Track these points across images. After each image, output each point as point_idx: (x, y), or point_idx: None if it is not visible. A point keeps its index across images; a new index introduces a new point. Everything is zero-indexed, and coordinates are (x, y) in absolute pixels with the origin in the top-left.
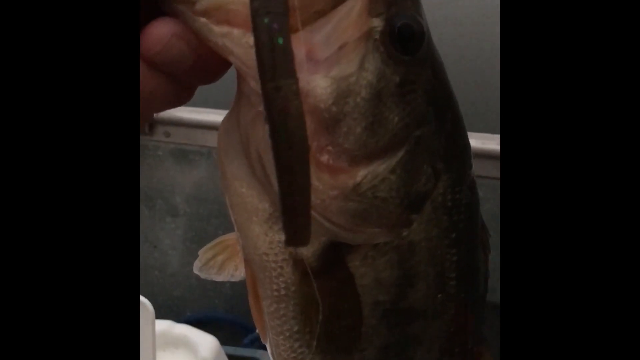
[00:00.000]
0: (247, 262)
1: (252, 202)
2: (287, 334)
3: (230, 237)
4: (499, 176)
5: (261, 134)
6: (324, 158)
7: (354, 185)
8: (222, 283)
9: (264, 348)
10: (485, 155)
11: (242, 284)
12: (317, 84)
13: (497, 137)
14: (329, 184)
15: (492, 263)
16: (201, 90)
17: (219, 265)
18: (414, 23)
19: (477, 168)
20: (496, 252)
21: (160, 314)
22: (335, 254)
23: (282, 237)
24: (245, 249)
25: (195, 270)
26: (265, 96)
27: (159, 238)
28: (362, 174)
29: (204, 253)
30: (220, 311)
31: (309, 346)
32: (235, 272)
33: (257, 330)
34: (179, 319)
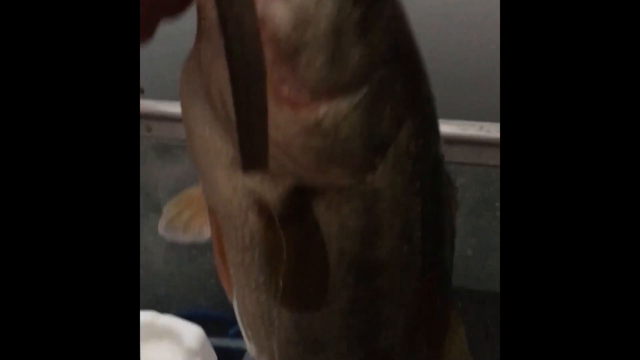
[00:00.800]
0: (211, 212)
1: (215, 145)
2: (253, 285)
3: (195, 190)
4: (479, 162)
5: (221, 70)
6: (285, 90)
7: (315, 120)
8: (207, 279)
9: None
10: (465, 142)
11: None
12: (276, 10)
13: (478, 124)
14: (291, 118)
15: (489, 250)
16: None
17: (184, 223)
18: None
19: (458, 154)
20: (488, 238)
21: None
22: (300, 200)
23: (246, 181)
24: (209, 197)
25: (161, 231)
26: (219, 7)
27: (142, 235)
28: (324, 109)
29: (168, 209)
30: (205, 307)
31: (276, 297)
32: (201, 230)
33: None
34: None
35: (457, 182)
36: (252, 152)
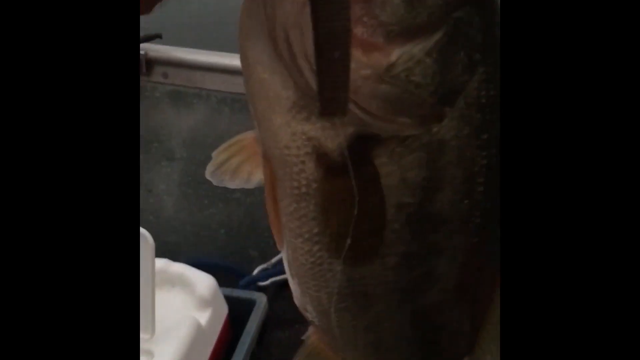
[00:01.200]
0: (266, 159)
1: (275, 89)
2: (307, 236)
3: (247, 136)
4: None
5: (289, 8)
6: (358, 31)
7: (388, 65)
8: (218, 229)
9: (260, 290)
10: None
11: (236, 230)
12: None
13: None
14: (362, 62)
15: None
16: (201, 32)
17: (234, 168)
18: None
19: None
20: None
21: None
22: (362, 149)
23: (307, 127)
24: (264, 143)
25: (208, 175)
26: None
27: (154, 182)
28: (397, 53)
29: (218, 154)
30: (215, 257)
31: (329, 249)
32: (250, 177)
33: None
34: None
35: None
36: (333, 95)
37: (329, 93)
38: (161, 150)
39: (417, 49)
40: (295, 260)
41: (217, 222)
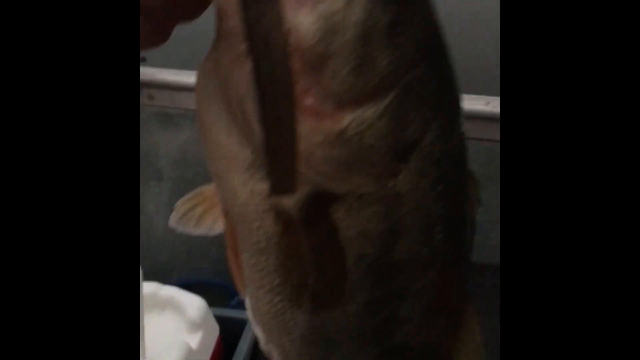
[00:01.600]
0: (226, 214)
1: (232, 149)
2: (267, 287)
3: (209, 188)
4: (485, 137)
5: (242, 75)
6: (309, 101)
7: (339, 130)
8: (208, 247)
9: None
10: (471, 117)
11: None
12: (302, 19)
13: (484, 98)
14: (313, 129)
15: (492, 223)
16: (186, 52)
17: (197, 217)
18: None
19: (465, 129)
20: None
21: (146, 279)
22: (319, 205)
23: (264, 186)
24: (224, 200)
25: (172, 223)
26: (247, 23)
27: (143, 203)
28: (348, 118)
29: (181, 205)
30: (207, 275)
31: (290, 300)
32: (214, 225)
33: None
34: (165, 284)
35: None
36: (281, 175)
37: (277, 174)
38: (150, 171)
39: (368, 113)
40: (258, 310)
41: (207, 241)
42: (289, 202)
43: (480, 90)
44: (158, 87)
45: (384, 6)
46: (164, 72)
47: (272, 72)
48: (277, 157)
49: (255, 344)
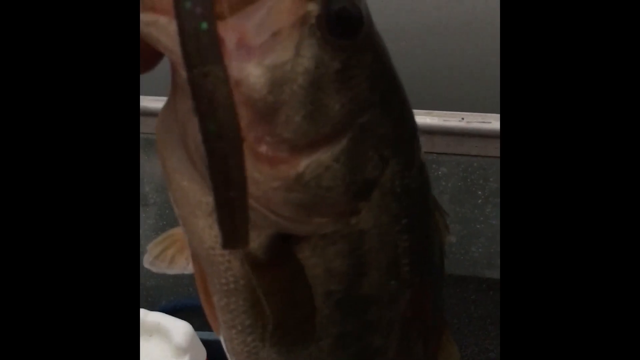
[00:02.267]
0: (195, 257)
1: (195, 195)
2: (239, 328)
3: (179, 230)
4: (461, 152)
5: (196, 126)
6: (263, 149)
7: (296, 175)
8: None
9: None
10: (447, 133)
11: None
12: (250, 72)
13: (459, 115)
14: (270, 175)
15: (471, 237)
16: (167, 79)
17: (169, 259)
18: (352, 7)
19: (440, 145)
20: (471, 225)
21: None
22: (284, 246)
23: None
24: (191, 243)
25: (146, 265)
26: (191, 84)
27: None
28: (304, 163)
29: (152, 248)
30: (195, 298)
31: (263, 339)
32: (187, 265)
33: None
34: (153, 308)
35: (439, 171)
36: (233, 228)
37: (228, 228)
38: None
39: (324, 156)
40: (233, 350)
41: None
42: (254, 244)
43: (455, 106)
44: (142, 114)
45: (333, 53)
46: (147, 99)
47: (219, 129)
48: (228, 212)
49: None
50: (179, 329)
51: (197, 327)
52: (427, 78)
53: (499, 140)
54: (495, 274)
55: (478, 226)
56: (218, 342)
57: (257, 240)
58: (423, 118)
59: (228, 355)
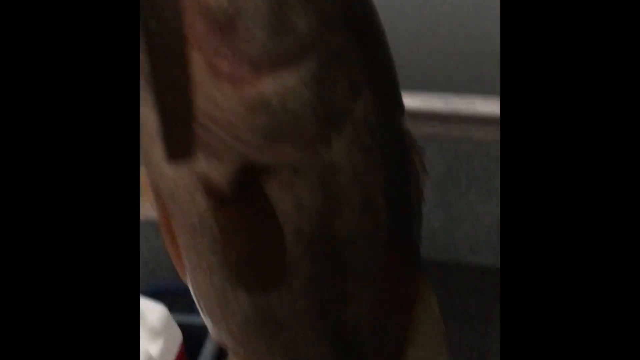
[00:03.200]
0: (157, 195)
1: (153, 124)
2: (206, 268)
3: (142, 174)
4: (444, 136)
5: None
6: (222, 65)
7: (260, 97)
8: None
9: None
10: (431, 116)
11: None
12: None
13: (443, 97)
14: (232, 96)
15: (455, 222)
16: None
17: None
18: None
19: (424, 129)
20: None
21: None
22: (251, 180)
23: (190, 162)
24: (152, 179)
25: None
26: None
27: None
28: (269, 84)
29: None
30: (173, 283)
31: (230, 280)
32: (148, 209)
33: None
34: None
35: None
36: (176, 138)
37: (172, 138)
38: None
39: (289, 78)
40: (200, 293)
41: None
42: (218, 176)
43: (440, 88)
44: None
45: None
46: None
47: (160, 29)
48: (170, 119)
49: (219, 349)
50: (154, 311)
51: (175, 310)
52: (408, 58)
53: (483, 124)
54: (478, 259)
55: (462, 212)
56: (195, 326)
57: (222, 172)
58: (406, 100)
59: (195, 300)
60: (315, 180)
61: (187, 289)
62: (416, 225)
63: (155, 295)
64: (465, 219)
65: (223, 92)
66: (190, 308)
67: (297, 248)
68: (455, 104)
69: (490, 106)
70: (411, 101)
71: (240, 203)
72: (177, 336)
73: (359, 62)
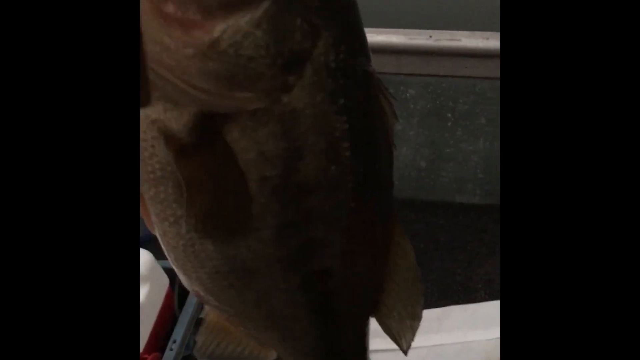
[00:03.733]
0: None
1: None
2: (172, 219)
3: None
4: (429, 72)
5: None
6: (170, 9)
7: (211, 41)
8: None
9: None
10: (414, 52)
11: None
12: None
13: (427, 32)
14: (183, 41)
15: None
16: None
17: None
18: None
19: (407, 65)
20: (441, 149)
21: None
22: (211, 127)
23: (148, 110)
24: None
25: None
26: None
27: None
28: (220, 28)
29: None
30: None
31: (196, 230)
32: None
33: None
34: None
35: (407, 93)
36: None
37: None
38: None
39: (242, 21)
40: (168, 244)
41: None
42: (176, 125)
43: (423, 24)
44: None
45: None
46: None
47: None
48: None
49: None
50: (139, 258)
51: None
52: None
53: (469, 60)
54: (464, 198)
55: (448, 150)
56: None
57: (180, 120)
58: (389, 37)
59: (165, 252)
60: (276, 126)
61: None
62: (386, 170)
63: (141, 243)
64: (451, 158)
65: (173, 37)
66: None
67: (262, 196)
68: (440, 39)
69: (475, 42)
70: (395, 38)
71: (202, 152)
72: (164, 281)
73: (316, 3)
